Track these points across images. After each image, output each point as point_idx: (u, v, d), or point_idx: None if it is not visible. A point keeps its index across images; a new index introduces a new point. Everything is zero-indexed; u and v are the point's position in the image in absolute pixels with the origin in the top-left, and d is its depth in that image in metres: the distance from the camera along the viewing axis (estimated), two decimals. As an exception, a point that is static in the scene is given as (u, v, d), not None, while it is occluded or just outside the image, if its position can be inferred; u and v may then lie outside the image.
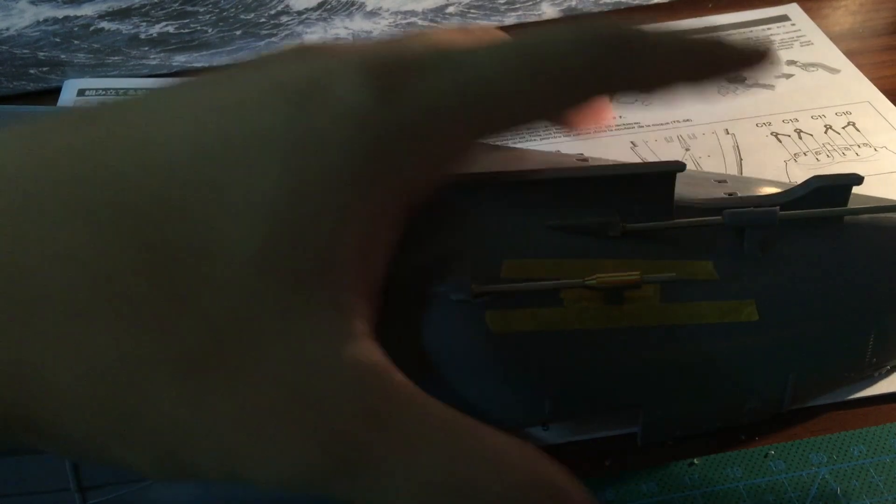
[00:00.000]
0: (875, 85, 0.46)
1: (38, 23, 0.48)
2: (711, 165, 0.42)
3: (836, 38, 0.50)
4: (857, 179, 0.29)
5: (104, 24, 0.49)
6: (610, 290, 0.27)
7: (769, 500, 0.28)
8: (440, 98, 0.20)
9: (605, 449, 0.30)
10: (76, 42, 0.49)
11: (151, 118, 0.18)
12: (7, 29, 0.48)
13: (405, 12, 0.52)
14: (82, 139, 0.18)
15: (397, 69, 0.20)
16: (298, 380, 0.18)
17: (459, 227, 0.28)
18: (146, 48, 0.50)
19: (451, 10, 0.52)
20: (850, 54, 0.49)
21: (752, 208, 0.28)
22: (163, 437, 0.17)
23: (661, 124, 0.45)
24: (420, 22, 0.52)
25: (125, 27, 0.50)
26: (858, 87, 0.46)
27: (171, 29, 0.50)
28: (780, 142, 0.43)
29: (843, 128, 0.44)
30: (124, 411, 0.17)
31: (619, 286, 0.27)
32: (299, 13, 0.51)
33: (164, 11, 0.49)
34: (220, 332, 0.17)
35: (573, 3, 0.53)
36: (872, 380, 0.31)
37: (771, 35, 0.51)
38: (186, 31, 0.50)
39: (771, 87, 0.47)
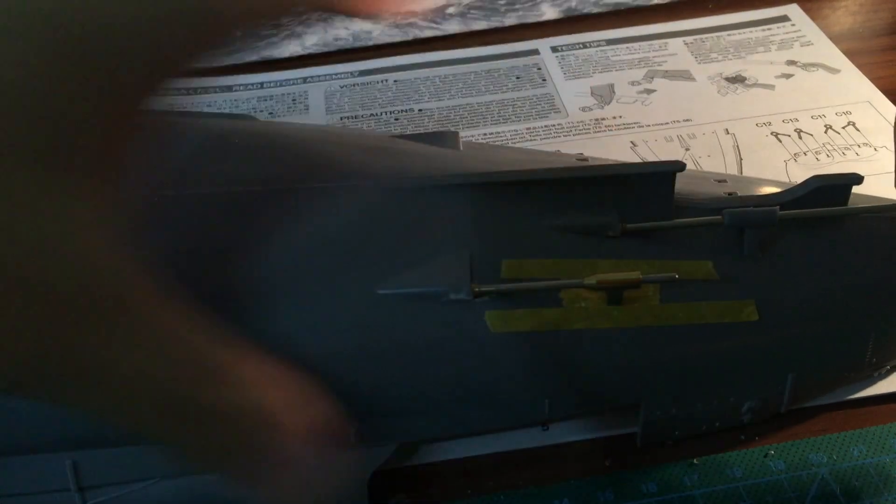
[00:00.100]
0: (875, 85, 0.46)
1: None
2: (711, 165, 0.42)
3: (836, 38, 0.50)
4: (857, 179, 0.29)
5: (104, 25, 0.49)
6: (609, 290, 0.27)
7: (769, 500, 0.28)
8: None
9: (605, 449, 0.30)
10: (76, 42, 0.49)
11: None
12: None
13: (405, 12, 0.52)
14: None
15: None
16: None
17: (459, 227, 0.28)
18: (146, 48, 0.50)
19: (450, 10, 0.52)
20: (850, 54, 0.49)
21: (751, 208, 0.28)
22: None
23: (661, 124, 0.45)
24: (420, 22, 0.52)
25: (125, 27, 0.50)
26: (858, 87, 0.46)
27: (171, 29, 0.50)
28: (780, 142, 0.43)
29: (843, 128, 0.44)
30: None
31: (618, 286, 0.27)
32: (299, 13, 0.51)
33: (164, 11, 0.49)
34: None
35: (573, 4, 0.53)
36: (872, 380, 0.31)
37: (771, 35, 0.51)
38: (186, 31, 0.50)
39: (771, 87, 0.47)
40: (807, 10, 0.53)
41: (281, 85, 0.50)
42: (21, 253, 0.17)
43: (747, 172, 0.41)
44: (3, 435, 0.26)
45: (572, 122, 0.45)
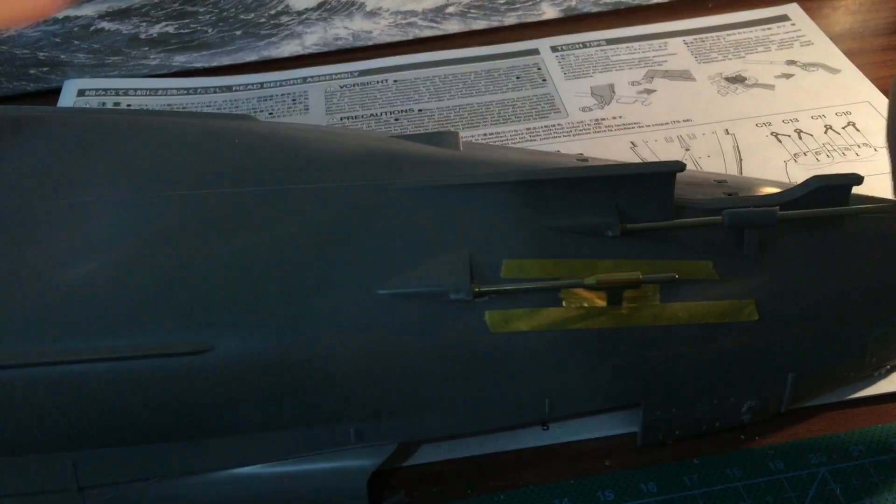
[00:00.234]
0: (875, 85, 0.46)
1: (38, 23, 0.48)
2: (711, 165, 0.42)
3: (836, 38, 0.50)
4: (857, 179, 0.29)
5: (104, 24, 0.49)
6: (609, 290, 0.27)
7: (769, 500, 0.28)
8: None
9: (605, 449, 0.30)
10: (76, 42, 0.49)
11: None
12: (7, 29, 0.48)
13: (405, 12, 0.52)
14: None
15: None
16: None
17: (459, 227, 0.28)
18: (146, 48, 0.50)
19: (450, 10, 0.52)
20: (850, 54, 0.49)
21: (751, 208, 0.28)
22: None
23: (661, 124, 0.45)
24: (420, 22, 0.52)
25: (125, 27, 0.50)
26: (858, 87, 0.46)
27: (171, 29, 0.50)
28: (780, 142, 0.43)
29: (843, 128, 0.44)
30: None
31: (618, 286, 0.27)
32: (299, 13, 0.51)
33: (164, 11, 0.49)
34: None
35: (573, 3, 0.53)
36: (872, 379, 0.31)
37: (771, 35, 0.51)
38: (186, 31, 0.50)
39: (771, 87, 0.47)
40: (807, 10, 0.53)
41: (281, 85, 0.50)
42: None
43: (747, 173, 0.41)
44: (4, 435, 0.26)
45: (572, 123, 0.45)
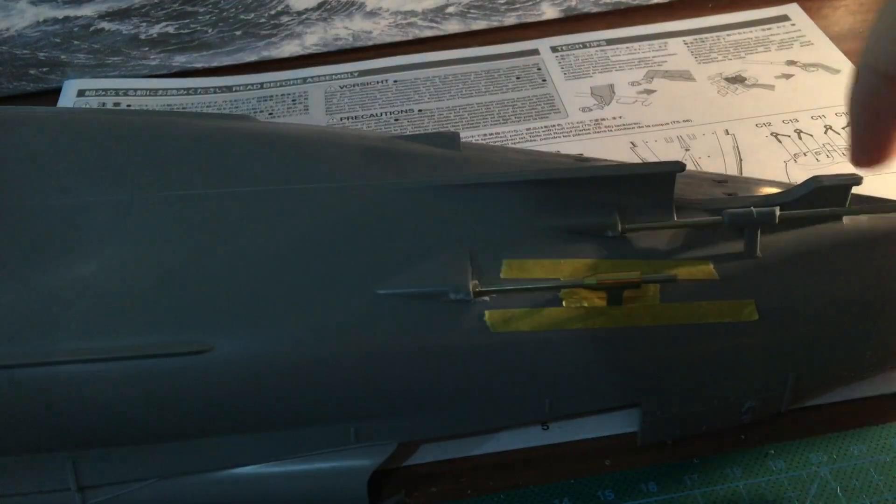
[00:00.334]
0: (875, 85, 0.46)
1: (38, 23, 0.48)
2: (711, 165, 0.42)
3: (836, 38, 0.50)
4: (857, 180, 0.29)
5: (104, 25, 0.49)
6: (609, 290, 0.27)
7: (769, 500, 0.28)
8: None
9: (605, 449, 0.30)
10: (76, 42, 0.49)
11: None
12: (7, 29, 0.48)
13: (405, 12, 0.52)
14: None
15: None
16: None
17: (459, 228, 0.28)
18: (146, 48, 0.50)
19: (450, 10, 0.52)
20: (850, 54, 0.49)
21: (751, 208, 0.28)
22: None
23: (661, 124, 0.45)
24: (420, 22, 0.52)
25: (125, 27, 0.50)
26: (858, 87, 0.46)
27: (171, 29, 0.50)
28: (780, 142, 0.43)
29: (843, 128, 0.44)
30: None
31: (618, 286, 0.27)
32: (299, 13, 0.51)
33: (164, 11, 0.49)
34: None
35: (573, 3, 0.53)
36: (872, 380, 0.31)
37: (771, 35, 0.51)
38: (186, 31, 0.50)
39: (771, 87, 0.47)
40: (807, 10, 0.53)
41: (281, 85, 0.50)
42: None
43: (747, 173, 0.41)
44: (4, 434, 0.26)
45: (572, 123, 0.45)
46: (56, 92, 0.50)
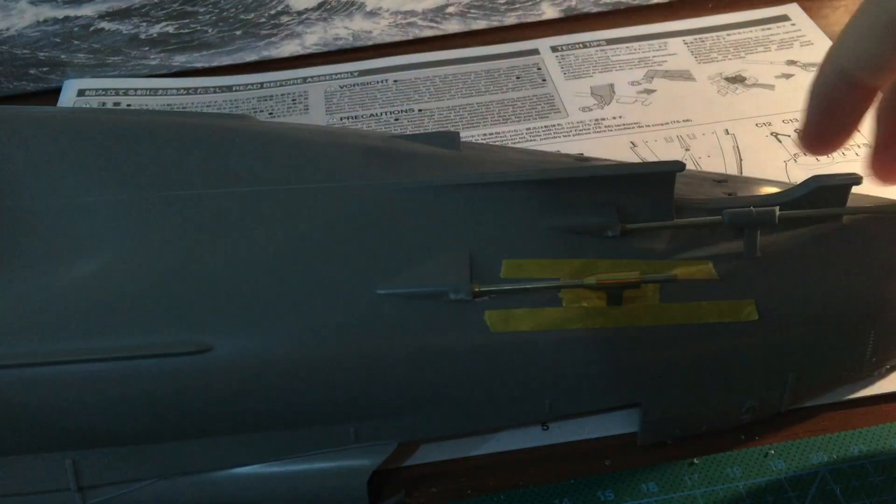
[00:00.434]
0: (875, 85, 0.46)
1: (38, 23, 0.48)
2: (711, 165, 0.42)
3: (835, 38, 0.50)
4: (857, 179, 0.29)
5: (104, 24, 0.49)
6: (609, 290, 0.27)
7: (769, 500, 0.28)
8: None
9: (605, 449, 0.30)
10: (76, 42, 0.49)
11: None
12: (7, 29, 0.48)
13: (405, 12, 0.52)
14: None
15: None
16: None
17: (459, 228, 0.28)
18: (146, 48, 0.50)
19: (451, 10, 0.52)
20: (850, 54, 0.48)
21: (751, 208, 0.28)
22: None
23: (661, 124, 0.45)
24: (420, 22, 0.52)
25: (125, 27, 0.50)
26: (858, 87, 0.46)
27: (171, 29, 0.50)
28: (780, 142, 0.43)
29: (843, 128, 0.44)
30: None
31: (618, 286, 0.27)
32: (299, 13, 0.51)
33: (164, 11, 0.49)
34: None
35: (573, 3, 0.53)
36: (872, 379, 0.31)
37: (771, 35, 0.51)
38: (186, 31, 0.50)
39: (771, 87, 0.47)
40: (807, 10, 0.53)
41: (281, 85, 0.50)
42: None
43: (747, 173, 0.41)
44: (3, 434, 0.26)
45: (572, 123, 0.45)
46: (56, 92, 0.50)
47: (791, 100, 0.46)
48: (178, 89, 0.50)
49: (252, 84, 0.50)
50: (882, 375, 0.31)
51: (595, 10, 0.54)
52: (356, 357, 0.27)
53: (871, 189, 0.31)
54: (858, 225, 0.30)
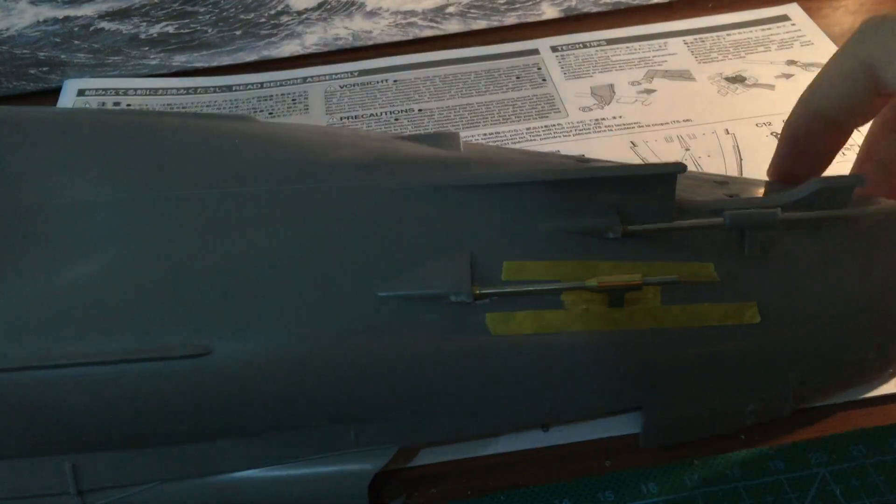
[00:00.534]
0: (875, 85, 0.46)
1: (38, 23, 0.48)
2: (711, 165, 0.42)
3: (836, 38, 0.50)
4: (859, 181, 0.29)
5: (104, 24, 0.49)
6: (611, 292, 0.27)
7: (769, 500, 0.28)
8: None
9: (605, 449, 0.30)
10: (76, 42, 0.49)
11: None
12: (7, 29, 0.48)
13: (405, 12, 0.52)
14: None
15: None
16: None
17: (460, 229, 0.28)
18: (146, 48, 0.50)
19: (451, 10, 0.52)
20: (849, 54, 0.48)
21: (753, 210, 0.28)
22: None
23: (661, 124, 0.45)
24: (420, 22, 0.52)
25: (125, 27, 0.50)
26: (858, 87, 0.46)
27: (171, 29, 0.50)
28: (780, 142, 0.43)
29: (843, 128, 0.44)
30: None
31: (619, 288, 0.27)
32: (299, 13, 0.51)
33: (164, 11, 0.49)
34: None
35: (573, 3, 0.53)
36: (877, 383, 0.31)
37: (771, 35, 0.51)
38: (186, 31, 0.50)
39: (771, 87, 0.47)
40: (807, 10, 0.53)
41: (281, 85, 0.50)
42: None
43: (747, 173, 0.41)
44: (3, 437, 0.26)
45: (572, 123, 0.45)
46: (56, 92, 0.49)
47: (791, 100, 0.45)
48: (178, 89, 0.50)
49: (252, 84, 0.50)
50: (885, 379, 0.31)
51: (595, 10, 0.54)
52: (356, 360, 0.26)
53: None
54: (862, 227, 0.29)
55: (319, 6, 0.51)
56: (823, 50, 0.49)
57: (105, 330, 0.26)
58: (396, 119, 0.47)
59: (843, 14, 0.53)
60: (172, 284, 0.27)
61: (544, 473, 0.30)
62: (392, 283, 0.27)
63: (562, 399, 0.28)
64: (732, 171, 0.41)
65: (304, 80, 0.50)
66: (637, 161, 0.42)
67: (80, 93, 0.49)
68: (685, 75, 0.48)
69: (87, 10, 0.49)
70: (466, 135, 0.45)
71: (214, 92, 0.49)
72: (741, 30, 0.52)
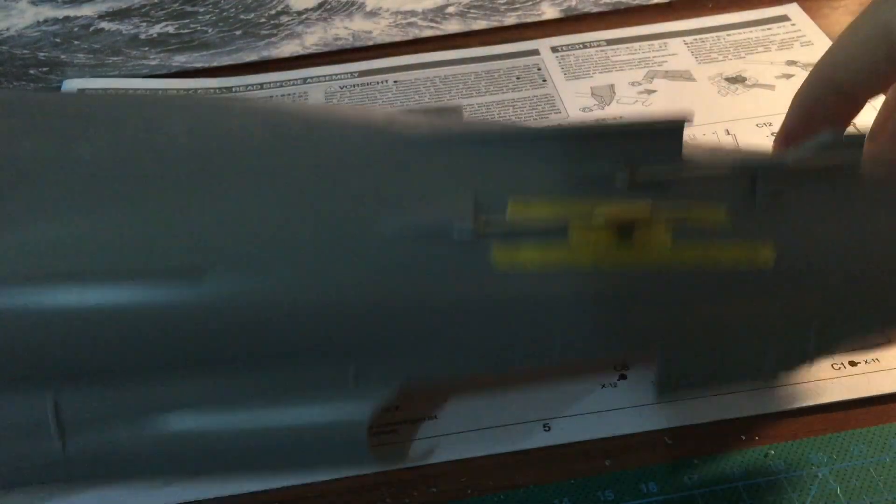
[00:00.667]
0: (875, 85, 0.46)
1: (38, 23, 0.48)
2: (711, 165, 0.42)
3: (828, 49, 0.50)
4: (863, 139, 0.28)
5: (104, 25, 0.49)
6: (619, 227, 0.26)
7: (769, 500, 0.28)
8: None
9: (605, 449, 0.30)
10: (76, 42, 0.49)
11: None
12: (7, 29, 0.48)
13: (405, 12, 0.52)
14: None
15: None
16: None
17: (464, 177, 0.27)
18: (146, 48, 0.50)
19: (450, 10, 0.52)
20: (850, 54, 0.49)
21: (763, 157, 0.27)
22: None
23: (661, 124, 0.45)
24: (420, 22, 0.52)
25: (125, 27, 0.50)
26: (858, 88, 0.46)
27: (171, 29, 0.50)
28: (780, 142, 0.43)
29: (843, 128, 0.44)
30: None
31: (627, 221, 0.26)
32: (299, 13, 0.51)
33: (164, 11, 0.49)
34: None
35: (573, 3, 0.53)
36: (872, 380, 0.31)
37: (771, 35, 0.51)
38: (186, 31, 0.50)
39: (771, 87, 0.47)
40: (807, 10, 0.53)
41: (281, 85, 0.50)
42: None
43: (747, 172, 0.41)
44: None
45: (572, 122, 0.45)
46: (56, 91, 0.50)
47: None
48: (178, 90, 0.50)
49: (252, 84, 0.50)
50: (882, 375, 0.31)
51: (595, 10, 0.54)
52: (356, 294, 0.26)
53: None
54: (877, 177, 0.28)
55: (319, 6, 0.51)
56: (823, 50, 0.49)
57: (96, 252, 0.25)
58: (396, 119, 0.47)
59: (843, 14, 0.53)
60: (168, 212, 0.26)
61: (544, 472, 0.29)
62: (394, 217, 0.26)
63: (570, 339, 0.27)
64: (732, 171, 0.41)
65: (304, 80, 0.50)
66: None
67: (80, 93, 0.49)
68: (685, 76, 0.48)
69: (87, 11, 0.49)
70: (466, 135, 0.45)
71: (214, 92, 0.49)
72: (741, 30, 0.52)
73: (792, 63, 0.49)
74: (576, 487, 0.29)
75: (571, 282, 0.26)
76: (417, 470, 0.30)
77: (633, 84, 0.48)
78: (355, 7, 0.51)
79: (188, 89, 0.50)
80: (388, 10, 0.52)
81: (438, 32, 0.53)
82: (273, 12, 0.51)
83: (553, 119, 0.46)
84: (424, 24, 0.52)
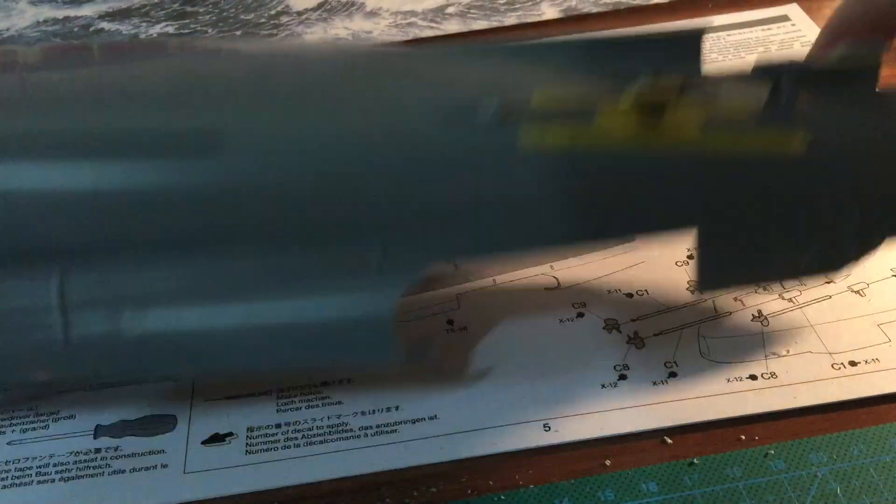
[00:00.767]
0: (875, 85, 0.46)
1: (38, 23, 0.48)
2: (711, 165, 0.42)
3: None
4: (885, 46, 0.27)
5: (104, 25, 0.49)
6: (649, 109, 0.26)
7: (769, 500, 0.28)
8: None
9: (605, 449, 0.30)
10: (76, 42, 0.49)
11: None
12: (7, 29, 0.48)
13: (405, 12, 0.52)
14: None
15: None
16: None
17: (486, 77, 0.27)
18: (146, 48, 0.50)
19: (450, 10, 0.52)
20: (850, 54, 0.48)
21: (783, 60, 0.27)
22: None
23: (661, 124, 0.45)
24: (420, 22, 0.52)
25: (125, 27, 0.50)
26: (858, 87, 0.46)
27: (171, 29, 0.50)
28: (780, 142, 0.43)
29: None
30: None
31: (657, 103, 0.26)
32: (299, 13, 0.51)
33: (164, 11, 0.49)
34: None
35: (573, 3, 0.53)
36: (872, 380, 0.31)
37: (771, 35, 0.51)
38: (186, 31, 0.50)
39: (771, 87, 0.47)
40: (807, 10, 0.53)
41: (281, 85, 0.50)
42: None
43: (747, 172, 0.41)
44: None
45: (572, 122, 0.45)
46: (56, 92, 0.50)
47: (791, 100, 0.46)
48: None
49: (252, 84, 0.50)
50: (882, 375, 0.31)
51: (595, 10, 0.54)
52: (382, 168, 0.25)
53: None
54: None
55: (319, 6, 0.51)
56: (823, 50, 0.49)
57: (109, 120, 0.24)
58: (396, 119, 0.47)
59: (843, 14, 0.53)
60: (186, 83, 0.25)
61: (544, 472, 0.29)
62: (421, 100, 0.26)
63: (605, 215, 0.27)
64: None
65: (304, 80, 0.50)
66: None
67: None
68: (685, 75, 0.48)
69: (87, 11, 0.49)
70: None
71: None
72: (741, 30, 0.52)
73: (792, 63, 0.49)
74: (576, 487, 0.29)
75: (600, 159, 0.26)
76: (418, 470, 0.30)
77: (633, 84, 0.48)
78: (355, 7, 0.51)
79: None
80: (387, 10, 0.52)
81: (438, 32, 0.53)
82: (273, 12, 0.51)
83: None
84: (424, 24, 0.53)
